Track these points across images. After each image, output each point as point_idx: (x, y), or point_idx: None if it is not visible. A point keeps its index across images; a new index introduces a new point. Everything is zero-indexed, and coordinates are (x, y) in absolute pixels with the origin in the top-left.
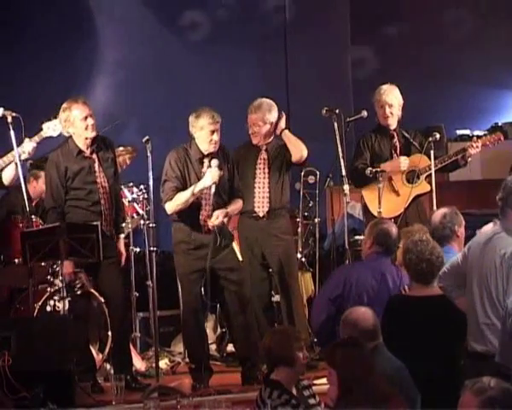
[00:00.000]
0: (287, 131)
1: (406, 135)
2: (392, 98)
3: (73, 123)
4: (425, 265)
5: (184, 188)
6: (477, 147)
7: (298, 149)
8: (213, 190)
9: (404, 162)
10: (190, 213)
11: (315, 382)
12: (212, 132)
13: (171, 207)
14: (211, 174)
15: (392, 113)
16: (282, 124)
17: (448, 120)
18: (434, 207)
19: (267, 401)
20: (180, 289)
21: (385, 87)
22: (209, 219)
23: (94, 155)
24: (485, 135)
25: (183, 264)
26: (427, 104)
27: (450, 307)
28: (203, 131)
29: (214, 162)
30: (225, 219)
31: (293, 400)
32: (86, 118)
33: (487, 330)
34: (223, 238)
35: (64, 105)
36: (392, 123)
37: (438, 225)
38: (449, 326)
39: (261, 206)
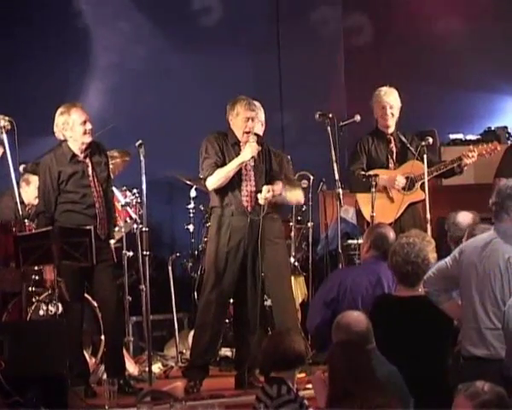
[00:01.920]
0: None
1: (403, 139)
2: (392, 99)
3: (72, 127)
4: (410, 267)
5: (223, 165)
6: (472, 157)
7: (294, 198)
8: (252, 163)
9: (400, 181)
10: (232, 196)
11: (307, 386)
12: (247, 119)
13: (212, 181)
14: (250, 148)
15: (392, 114)
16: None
17: (441, 124)
18: (428, 213)
19: (277, 396)
20: (205, 281)
21: (385, 89)
22: (259, 194)
23: (87, 160)
24: (480, 142)
25: (215, 255)
26: (419, 108)
27: (434, 307)
28: (238, 118)
29: (253, 138)
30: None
31: (299, 398)
32: (85, 122)
33: (490, 334)
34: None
35: (61, 109)
36: (392, 125)
37: None
38: (433, 327)
39: None
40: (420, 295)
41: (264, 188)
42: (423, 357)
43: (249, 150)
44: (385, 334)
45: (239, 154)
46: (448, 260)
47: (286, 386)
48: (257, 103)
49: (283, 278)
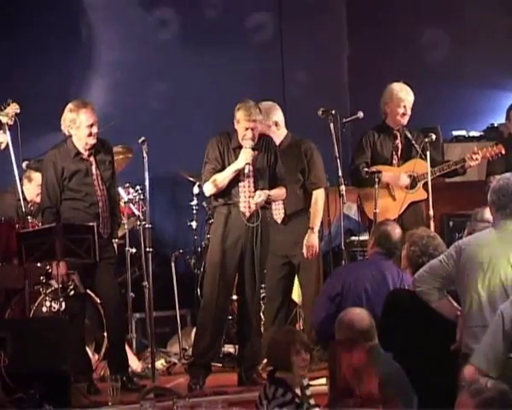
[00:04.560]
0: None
1: (409, 136)
2: (411, 98)
3: (79, 127)
4: (426, 259)
5: (222, 170)
6: (476, 159)
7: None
8: (246, 170)
9: (403, 180)
10: (230, 197)
11: (311, 382)
12: (247, 129)
13: (207, 188)
14: (244, 155)
15: (408, 113)
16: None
17: (444, 120)
18: (431, 210)
19: (272, 398)
20: (206, 278)
21: (402, 86)
22: (251, 199)
23: (91, 158)
24: (483, 139)
25: (215, 252)
26: (422, 105)
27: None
28: (239, 125)
29: (249, 143)
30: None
31: (296, 399)
32: (92, 125)
33: None
34: (261, 227)
35: (71, 106)
36: (405, 122)
37: None
38: (448, 322)
39: (277, 211)
40: None
41: (257, 193)
42: (435, 353)
43: (243, 157)
44: (398, 328)
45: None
46: (443, 258)
47: (283, 388)
48: (267, 104)
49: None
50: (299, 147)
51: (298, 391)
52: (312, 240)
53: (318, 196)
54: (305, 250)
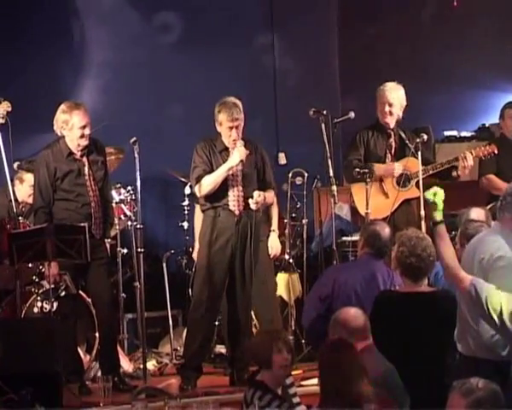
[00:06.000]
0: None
1: (403, 136)
2: (393, 97)
3: (71, 128)
4: (414, 260)
5: (211, 172)
6: (469, 159)
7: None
8: (240, 168)
9: (397, 169)
10: (219, 199)
11: (302, 383)
12: (231, 129)
13: (201, 188)
14: (238, 152)
15: (391, 112)
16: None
17: (435, 121)
18: (422, 209)
19: (250, 402)
20: (195, 281)
21: (390, 85)
22: (251, 199)
23: (84, 158)
24: (475, 139)
25: (204, 254)
26: (414, 105)
27: (440, 304)
28: (222, 127)
29: (240, 143)
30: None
31: (276, 400)
32: (84, 127)
33: (468, 331)
34: (251, 228)
35: (64, 107)
36: (390, 122)
37: None
38: (437, 324)
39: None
40: (423, 291)
41: (255, 193)
42: (424, 354)
43: (237, 155)
44: (386, 329)
45: (227, 160)
46: None
47: (261, 391)
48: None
49: (268, 276)
50: (255, 146)
51: (279, 391)
52: (277, 241)
53: (274, 198)
54: (271, 251)
